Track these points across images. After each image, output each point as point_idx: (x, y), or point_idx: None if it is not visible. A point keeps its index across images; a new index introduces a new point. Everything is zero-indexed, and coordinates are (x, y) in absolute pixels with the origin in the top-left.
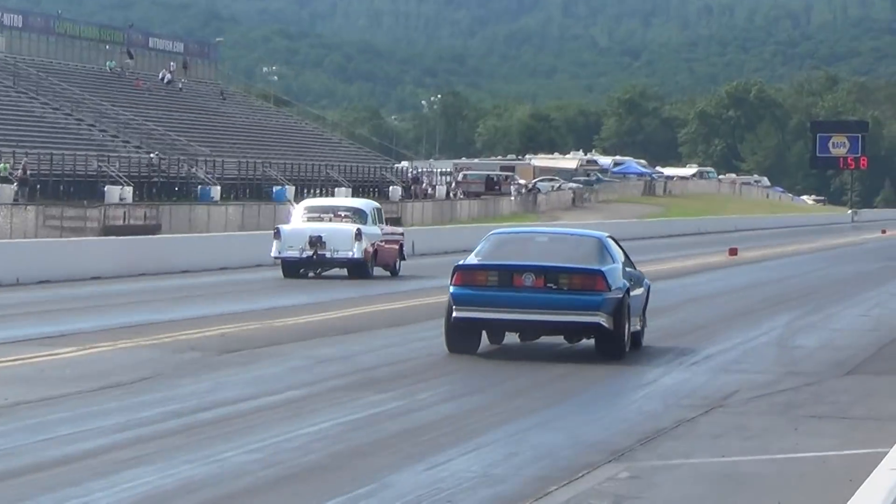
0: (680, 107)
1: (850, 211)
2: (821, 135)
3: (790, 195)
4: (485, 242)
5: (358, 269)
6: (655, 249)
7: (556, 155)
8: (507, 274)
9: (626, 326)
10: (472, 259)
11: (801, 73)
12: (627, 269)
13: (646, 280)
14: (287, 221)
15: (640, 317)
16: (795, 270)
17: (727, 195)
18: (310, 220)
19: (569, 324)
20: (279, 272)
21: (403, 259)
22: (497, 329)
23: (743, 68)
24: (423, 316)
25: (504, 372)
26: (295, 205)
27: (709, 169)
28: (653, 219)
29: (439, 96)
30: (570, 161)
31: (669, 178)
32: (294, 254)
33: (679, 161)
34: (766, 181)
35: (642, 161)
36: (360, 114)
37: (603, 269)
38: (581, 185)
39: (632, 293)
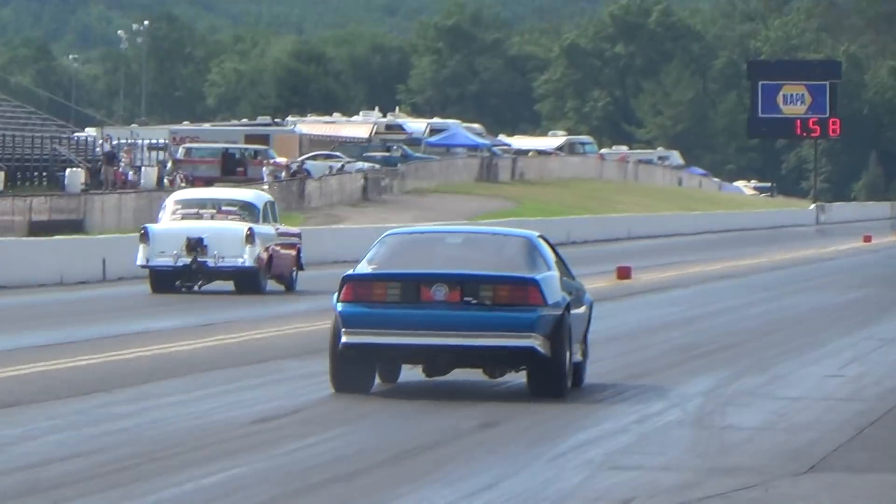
0: (537, 39)
1: (813, 206)
2: (765, 83)
3: (717, 180)
4: (379, 246)
5: (248, 282)
6: None
7: (338, 117)
8: (413, 285)
9: (567, 354)
10: (364, 267)
11: None
12: (565, 278)
13: (587, 295)
14: (156, 220)
15: (581, 343)
16: (722, 303)
17: (615, 181)
18: (184, 217)
19: (493, 349)
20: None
21: (301, 269)
22: (397, 359)
23: None
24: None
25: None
26: None
27: (585, 139)
28: (494, 220)
29: (146, 23)
30: (360, 127)
31: (521, 153)
32: (167, 261)
33: (537, 126)
34: (676, 158)
35: (476, 126)
36: (17, 51)
37: (537, 277)
38: (378, 166)
39: (573, 311)
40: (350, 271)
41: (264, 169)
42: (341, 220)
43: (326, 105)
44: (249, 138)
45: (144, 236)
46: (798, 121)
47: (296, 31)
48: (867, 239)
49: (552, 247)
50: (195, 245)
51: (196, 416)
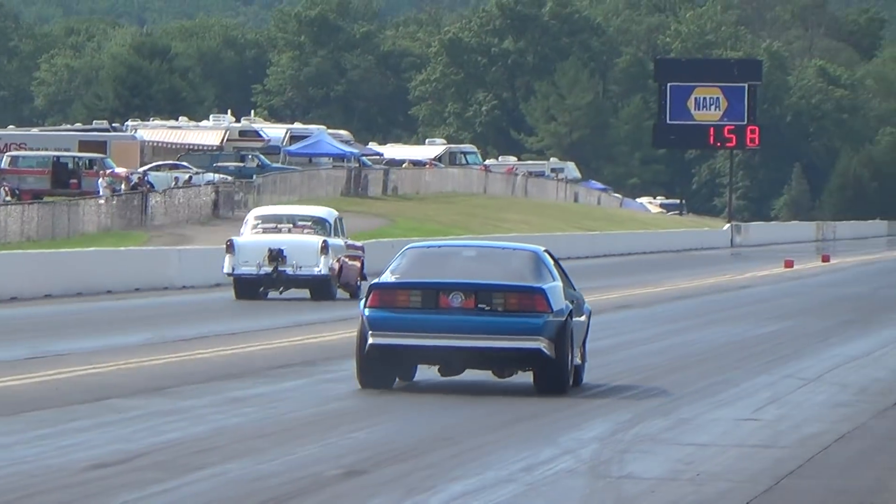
0: (414, 33)
1: (727, 225)
2: (674, 85)
3: (618, 196)
4: (401, 258)
5: (322, 289)
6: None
7: (185, 121)
8: (433, 293)
9: (570, 355)
10: (388, 277)
11: None
12: (568, 289)
13: (586, 304)
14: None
15: (580, 348)
16: (622, 337)
17: (501, 196)
18: (265, 230)
19: (504, 350)
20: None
21: (365, 279)
22: (417, 359)
23: None
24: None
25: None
26: None
27: (467, 148)
28: (365, 241)
29: None
30: (210, 133)
31: (394, 164)
32: (250, 270)
33: (413, 134)
34: (572, 170)
35: (343, 133)
36: None
37: (543, 286)
38: (230, 178)
39: (574, 318)
40: (375, 280)
41: (100, 180)
42: (188, 239)
43: (172, 108)
44: (84, 145)
45: (230, 248)
46: (711, 128)
47: (137, 23)
48: (789, 264)
49: (556, 260)
50: (276, 255)
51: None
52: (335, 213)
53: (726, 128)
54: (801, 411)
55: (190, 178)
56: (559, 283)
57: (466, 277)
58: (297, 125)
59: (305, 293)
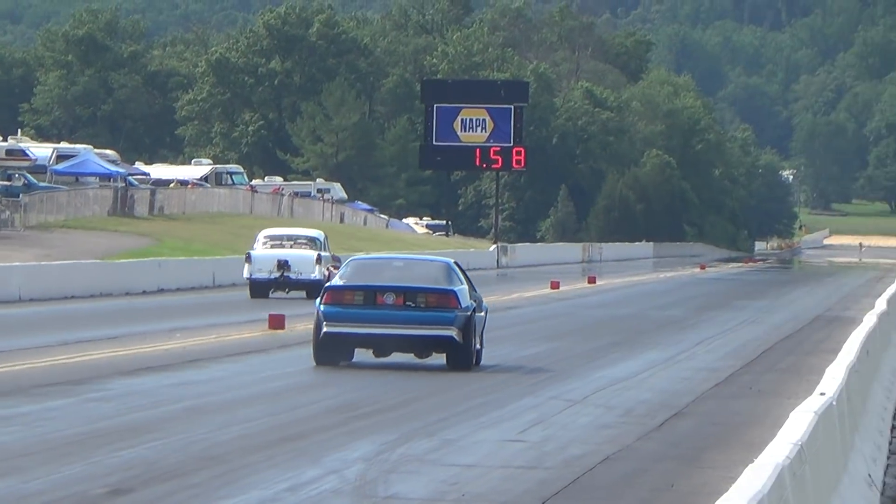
0: (181, 53)
1: (494, 247)
2: (441, 106)
3: (385, 217)
4: (346, 268)
5: (317, 290)
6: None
7: None
8: (371, 293)
9: (473, 342)
10: (337, 281)
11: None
12: (472, 292)
13: (485, 304)
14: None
15: (480, 337)
16: (391, 358)
17: (267, 216)
18: (273, 246)
19: (425, 337)
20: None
21: None
22: (359, 343)
23: None
24: None
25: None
26: None
27: (234, 168)
28: (129, 259)
29: None
30: None
31: (160, 183)
32: (263, 275)
33: (179, 153)
34: (338, 191)
35: (109, 153)
36: None
37: (454, 289)
38: None
39: (476, 314)
40: (328, 283)
41: None
42: None
43: None
44: None
45: (248, 259)
46: (478, 150)
47: None
48: (555, 285)
49: (462, 270)
50: (283, 265)
51: None
52: (323, 233)
53: (493, 149)
54: (567, 433)
55: None
56: (466, 287)
57: (397, 282)
58: (64, 144)
59: (303, 294)
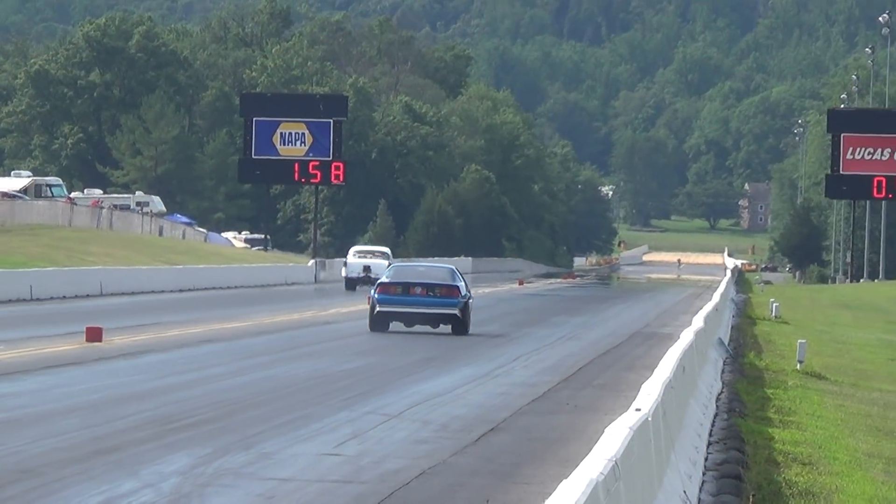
0: (1, 64)
1: (312, 261)
2: (260, 120)
3: (203, 230)
4: (390, 270)
5: None
6: None
7: None
8: (406, 286)
9: (468, 318)
10: (384, 279)
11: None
12: (466, 287)
13: (471, 295)
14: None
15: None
16: (204, 371)
17: (86, 229)
18: (360, 257)
19: (439, 315)
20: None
21: None
22: (397, 318)
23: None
24: None
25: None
26: None
27: (53, 180)
28: None
29: None
30: None
31: None
32: (354, 275)
33: None
34: (158, 204)
35: None
36: None
37: (457, 284)
38: None
39: (470, 301)
40: (380, 280)
41: None
42: None
43: None
44: None
45: (345, 265)
46: (297, 164)
47: None
48: (371, 299)
49: (461, 273)
50: (367, 268)
51: None
52: (388, 248)
53: (311, 163)
54: (383, 447)
55: None
56: (464, 283)
57: (422, 279)
58: None
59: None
